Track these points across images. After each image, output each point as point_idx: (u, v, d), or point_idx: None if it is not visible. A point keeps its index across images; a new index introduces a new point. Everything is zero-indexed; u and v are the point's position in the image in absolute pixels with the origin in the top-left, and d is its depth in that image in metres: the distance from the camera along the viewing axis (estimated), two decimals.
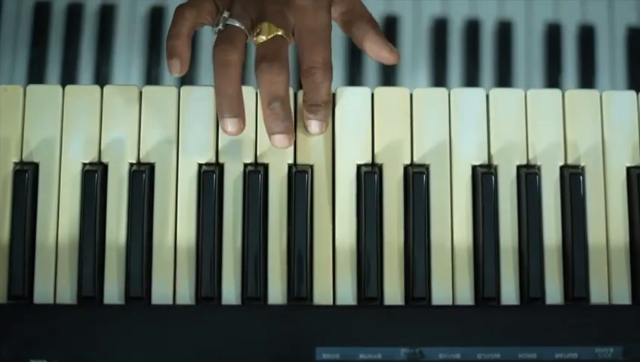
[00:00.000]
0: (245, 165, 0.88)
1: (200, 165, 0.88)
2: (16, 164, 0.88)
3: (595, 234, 0.88)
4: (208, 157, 0.89)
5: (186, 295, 0.86)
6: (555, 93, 0.91)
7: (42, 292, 0.86)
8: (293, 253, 0.86)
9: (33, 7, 1.43)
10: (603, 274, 0.88)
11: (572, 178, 0.88)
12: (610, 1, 1.47)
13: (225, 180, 0.88)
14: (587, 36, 1.45)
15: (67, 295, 0.86)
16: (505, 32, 1.45)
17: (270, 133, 0.86)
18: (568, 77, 1.44)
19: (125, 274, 0.86)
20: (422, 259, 0.86)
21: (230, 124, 0.86)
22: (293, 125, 0.87)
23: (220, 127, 0.87)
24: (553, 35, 1.45)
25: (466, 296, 0.87)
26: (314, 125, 0.87)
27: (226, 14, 0.87)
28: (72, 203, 0.87)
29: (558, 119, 0.90)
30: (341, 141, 0.89)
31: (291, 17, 0.88)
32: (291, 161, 0.89)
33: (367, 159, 0.89)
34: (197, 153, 0.88)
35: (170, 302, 0.86)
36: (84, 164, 0.88)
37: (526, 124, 0.90)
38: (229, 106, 0.86)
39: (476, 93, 0.90)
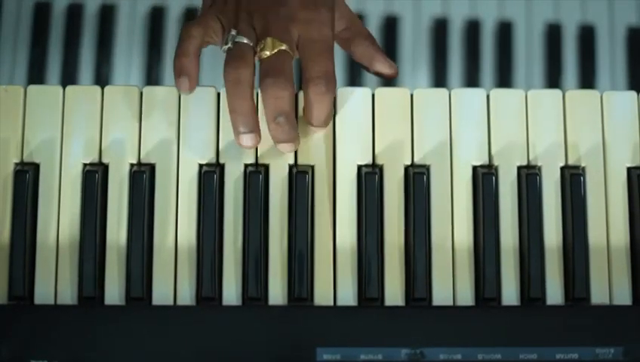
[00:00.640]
0: (246, 165, 0.88)
1: (201, 165, 0.88)
2: (16, 164, 0.88)
3: (595, 235, 0.88)
4: (209, 157, 0.89)
5: (186, 295, 0.86)
6: (556, 93, 0.91)
7: (43, 293, 0.86)
8: (294, 253, 0.86)
9: (33, 7, 1.44)
10: (604, 274, 0.88)
11: (573, 178, 0.88)
12: (610, 1, 1.47)
13: (225, 181, 0.88)
14: (587, 36, 1.45)
15: (68, 295, 0.86)
16: (505, 32, 1.45)
17: (275, 142, 0.87)
18: (568, 77, 1.45)
19: (126, 275, 0.86)
20: (422, 259, 0.86)
21: (246, 140, 0.86)
22: (297, 133, 0.87)
23: (236, 140, 0.87)
24: (553, 35, 1.45)
25: (466, 296, 0.87)
26: (315, 130, 0.88)
27: (233, 32, 0.87)
28: (72, 203, 0.87)
29: (559, 119, 0.90)
30: (342, 141, 0.89)
31: (295, 31, 0.88)
32: (292, 162, 0.89)
33: (368, 160, 0.89)
34: (197, 153, 0.88)
35: (170, 302, 0.86)
36: (85, 165, 0.88)
37: (526, 124, 0.90)
38: (244, 123, 0.86)
39: (477, 94, 0.90)
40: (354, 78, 1.40)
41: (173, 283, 0.86)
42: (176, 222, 0.87)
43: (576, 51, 1.45)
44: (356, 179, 0.88)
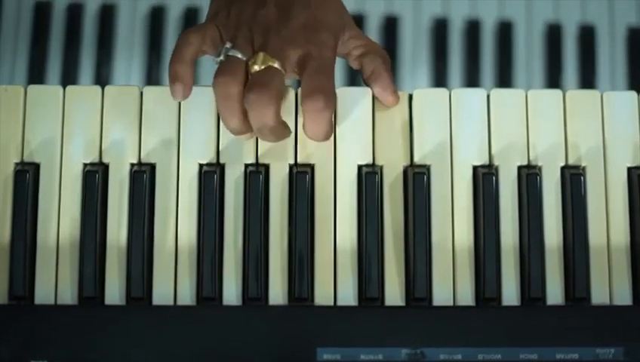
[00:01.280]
0: (246, 165, 0.88)
1: (201, 165, 0.88)
2: (17, 164, 0.88)
3: (596, 235, 0.88)
4: (209, 157, 0.89)
5: (186, 295, 0.86)
6: (556, 93, 0.91)
7: (43, 293, 0.86)
8: (294, 253, 0.86)
9: (33, 7, 1.44)
10: (604, 274, 0.88)
11: (573, 178, 0.88)
12: (610, 1, 1.47)
13: (226, 181, 0.88)
14: (587, 36, 1.46)
15: (68, 295, 0.86)
16: (505, 32, 1.45)
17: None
18: (568, 77, 1.45)
19: (126, 275, 0.86)
20: (423, 259, 0.86)
21: (241, 139, 0.88)
22: (287, 130, 0.86)
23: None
24: (553, 35, 1.45)
25: (466, 296, 0.87)
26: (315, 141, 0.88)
27: (228, 45, 0.86)
28: (72, 203, 0.87)
29: (559, 119, 0.90)
30: (342, 141, 0.89)
31: (293, 53, 0.86)
32: (292, 162, 0.89)
33: (368, 160, 0.89)
34: (198, 153, 0.88)
35: (171, 302, 0.86)
36: (85, 165, 0.88)
37: (527, 124, 0.90)
38: (234, 130, 0.86)
39: (477, 94, 0.90)
40: (354, 78, 1.40)
41: (173, 283, 0.86)
42: (177, 222, 0.87)
43: (576, 51, 1.45)
44: (356, 179, 0.88)
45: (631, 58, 1.45)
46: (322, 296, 0.86)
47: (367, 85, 0.90)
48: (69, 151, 0.88)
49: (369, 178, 0.87)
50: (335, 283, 0.87)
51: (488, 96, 0.90)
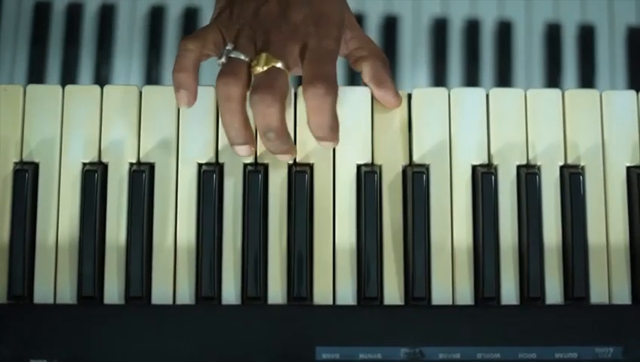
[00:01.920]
0: (245, 165, 0.88)
1: (200, 165, 0.88)
2: (16, 163, 0.88)
3: (595, 234, 0.88)
4: (208, 157, 0.89)
5: (185, 295, 0.86)
6: (555, 92, 0.91)
7: (42, 292, 0.86)
8: (293, 252, 0.86)
9: (33, 7, 1.44)
10: (603, 273, 0.88)
11: (572, 178, 0.88)
12: (610, 1, 1.47)
13: (225, 180, 0.88)
14: (587, 36, 1.45)
15: (67, 295, 0.86)
16: (505, 32, 1.45)
17: (271, 152, 0.87)
18: (568, 77, 1.45)
19: (125, 274, 0.86)
20: (422, 258, 0.86)
21: (240, 150, 0.87)
22: (292, 145, 0.87)
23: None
24: (553, 35, 1.45)
25: (465, 295, 0.87)
26: (324, 145, 0.87)
27: (229, 46, 0.86)
28: (72, 203, 0.87)
29: (558, 119, 0.90)
30: (341, 141, 0.89)
31: (295, 47, 0.86)
32: (291, 161, 0.89)
33: (367, 159, 0.89)
34: (197, 153, 0.88)
35: (170, 301, 0.86)
36: (84, 164, 0.88)
37: (526, 123, 0.90)
38: (236, 136, 0.86)
39: (476, 93, 0.90)
40: (353, 78, 1.40)
41: (172, 283, 0.86)
42: (176, 222, 0.87)
43: (576, 51, 1.45)
44: (355, 179, 0.88)
45: (630, 58, 1.45)
46: (321, 295, 0.86)
47: (367, 84, 0.90)
48: (69, 151, 0.88)
49: (368, 177, 0.87)
50: (334, 283, 0.87)
51: (487, 96, 0.90)
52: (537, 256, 0.87)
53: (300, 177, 0.87)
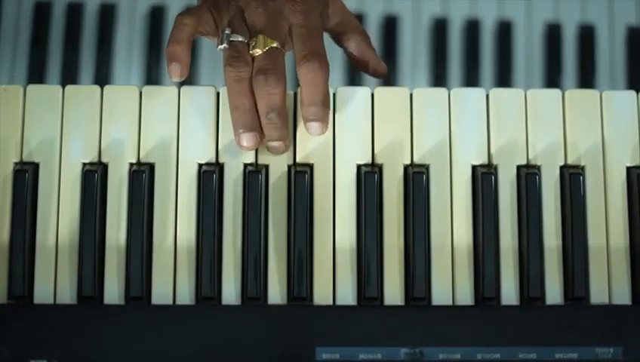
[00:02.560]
0: (245, 165, 0.88)
1: (200, 165, 0.88)
2: (16, 164, 0.88)
3: (595, 234, 0.88)
4: (208, 157, 0.89)
5: (185, 295, 0.86)
6: (555, 93, 0.91)
7: (42, 292, 0.86)
8: (293, 253, 0.86)
9: (33, 7, 1.43)
10: (603, 274, 0.88)
11: (572, 178, 0.88)
12: (610, 1, 1.47)
13: (225, 180, 0.88)
14: (587, 36, 1.45)
15: (67, 295, 0.86)
16: (505, 32, 1.45)
17: (267, 140, 0.87)
18: (568, 77, 1.44)
19: (125, 274, 0.86)
20: (422, 259, 0.86)
21: (246, 139, 0.87)
22: (288, 133, 0.88)
23: (237, 141, 0.87)
24: (553, 35, 1.45)
25: (465, 295, 0.87)
26: (314, 127, 0.87)
27: (228, 31, 0.89)
28: (72, 203, 0.87)
29: (558, 119, 0.90)
30: (341, 141, 0.89)
31: (285, 24, 0.89)
32: (291, 161, 0.89)
33: (367, 159, 0.89)
34: (197, 153, 0.88)
35: (170, 302, 0.86)
36: (84, 164, 0.88)
37: (526, 123, 0.90)
38: (244, 121, 0.87)
39: (476, 93, 0.90)
40: (353, 78, 1.40)
41: (172, 283, 0.86)
42: (176, 222, 0.87)
43: (575, 51, 1.45)
44: (355, 179, 0.88)
45: (630, 58, 1.45)
46: (321, 295, 0.86)
47: (350, 59, 0.94)
48: (69, 151, 0.88)
49: (368, 177, 0.87)
50: (334, 283, 0.87)
51: (487, 96, 0.90)
52: (537, 256, 0.87)
53: (300, 177, 0.87)
